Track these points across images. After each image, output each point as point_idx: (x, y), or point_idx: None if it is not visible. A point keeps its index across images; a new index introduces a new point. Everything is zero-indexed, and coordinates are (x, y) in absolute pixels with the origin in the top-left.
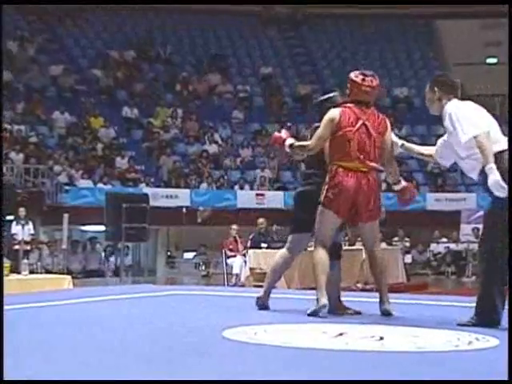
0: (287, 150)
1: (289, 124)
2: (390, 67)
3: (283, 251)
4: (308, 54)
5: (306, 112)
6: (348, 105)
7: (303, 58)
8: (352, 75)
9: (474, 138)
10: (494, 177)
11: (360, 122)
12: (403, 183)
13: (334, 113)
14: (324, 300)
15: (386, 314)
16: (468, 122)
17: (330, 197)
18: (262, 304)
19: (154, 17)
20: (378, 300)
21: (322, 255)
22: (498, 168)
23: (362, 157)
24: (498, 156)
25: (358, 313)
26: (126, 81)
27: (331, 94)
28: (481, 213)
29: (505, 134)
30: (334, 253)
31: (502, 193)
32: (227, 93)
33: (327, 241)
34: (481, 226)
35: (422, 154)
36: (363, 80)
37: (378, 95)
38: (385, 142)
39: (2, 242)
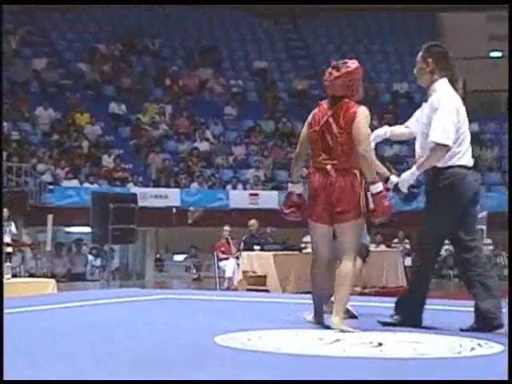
0: (291, 187)
1: (284, 120)
2: (390, 62)
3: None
4: (305, 48)
5: (302, 108)
6: (322, 102)
7: (300, 52)
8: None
9: (436, 144)
10: (410, 177)
11: (324, 120)
12: (376, 189)
13: (311, 113)
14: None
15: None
16: (445, 126)
17: (307, 202)
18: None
19: (143, 7)
20: (376, 304)
21: (313, 276)
22: (441, 182)
23: (322, 156)
24: (452, 170)
25: (355, 317)
26: (113, 75)
27: None
28: (484, 213)
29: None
30: (362, 252)
31: (403, 190)
32: (219, 88)
33: (318, 252)
34: (485, 228)
35: (405, 134)
36: (325, 73)
37: (347, 85)
38: (352, 136)
39: (2, 243)
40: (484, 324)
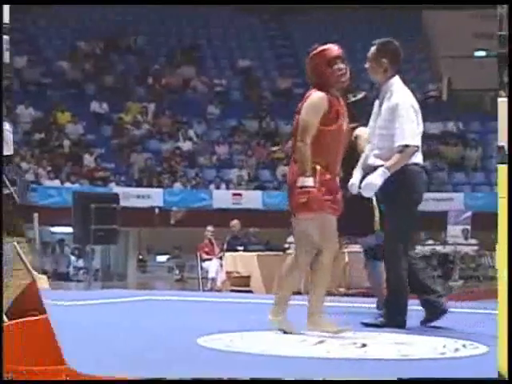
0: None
1: (268, 119)
2: None
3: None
4: (290, 46)
5: (286, 107)
6: None
7: (284, 50)
8: None
9: (407, 146)
10: (378, 179)
11: None
12: (302, 183)
13: None
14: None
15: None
16: (411, 128)
17: None
18: None
19: (125, 4)
20: (360, 305)
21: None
22: (403, 178)
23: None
24: (409, 167)
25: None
26: (94, 73)
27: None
28: (469, 213)
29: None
30: (378, 253)
31: (369, 194)
32: (202, 86)
33: None
34: (469, 228)
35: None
36: None
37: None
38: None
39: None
40: (433, 311)
